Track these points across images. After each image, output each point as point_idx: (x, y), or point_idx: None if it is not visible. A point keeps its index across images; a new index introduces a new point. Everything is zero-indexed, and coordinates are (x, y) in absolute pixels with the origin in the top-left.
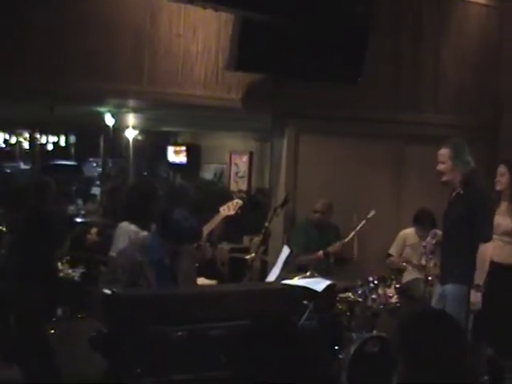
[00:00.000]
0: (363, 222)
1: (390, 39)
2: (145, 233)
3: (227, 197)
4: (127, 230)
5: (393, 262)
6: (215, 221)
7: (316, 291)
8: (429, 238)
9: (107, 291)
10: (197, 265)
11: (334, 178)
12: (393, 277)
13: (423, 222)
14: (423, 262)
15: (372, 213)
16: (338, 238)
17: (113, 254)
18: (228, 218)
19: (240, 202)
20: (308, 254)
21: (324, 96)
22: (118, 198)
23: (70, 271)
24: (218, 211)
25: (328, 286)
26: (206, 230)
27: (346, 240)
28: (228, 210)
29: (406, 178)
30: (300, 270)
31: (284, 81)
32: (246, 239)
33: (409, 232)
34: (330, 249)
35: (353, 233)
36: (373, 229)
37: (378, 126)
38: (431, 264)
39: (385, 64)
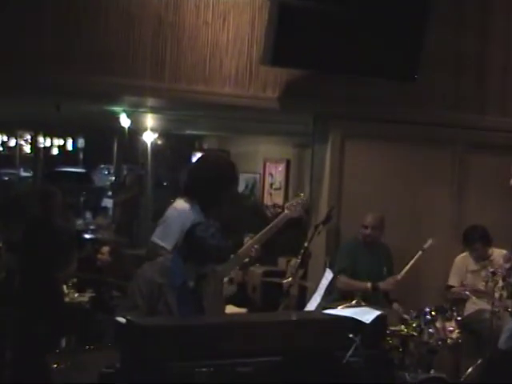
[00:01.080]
0: (419, 254)
1: (451, 33)
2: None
3: (260, 212)
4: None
5: (455, 293)
6: (275, 226)
7: (363, 323)
8: (501, 261)
9: (121, 320)
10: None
11: (384, 190)
12: (453, 308)
13: (473, 241)
14: (489, 289)
15: (429, 242)
16: (389, 261)
17: (157, 241)
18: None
19: (305, 198)
20: (354, 279)
21: (375, 95)
22: (134, 212)
23: (76, 295)
24: (281, 210)
25: (377, 318)
26: (259, 241)
27: (400, 276)
28: (294, 210)
29: (467, 191)
30: (344, 298)
31: (328, 77)
32: (281, 261)
33: (468, 256)
34: (382, 285)
35: (407, 267)
36: (428, 251)
37: (436, 131)
38: (501, 293)
39: (445, 61)
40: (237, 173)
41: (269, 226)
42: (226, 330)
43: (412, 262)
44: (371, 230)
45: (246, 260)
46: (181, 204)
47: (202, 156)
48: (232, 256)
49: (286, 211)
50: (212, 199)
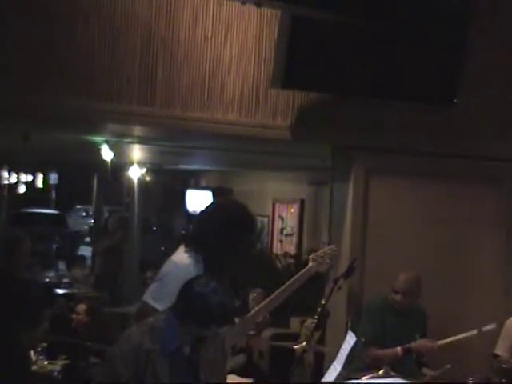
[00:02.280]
0: (473, 333)
1: (496, 49)
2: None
3: (268, 263)
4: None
5: (504, 363)
6: (296, 282)
7: None
8: None
9: None
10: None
11: (418, 237)
12: (503, 381)
13: None
14: None
15: (492, 326)
16: (423, 325)
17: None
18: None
19: (335, 249)
20: (380, 347)
21: (405, 123)
22: (117, 262)
23: (46, 363)
24: (293, 261)
25: None
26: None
27: (439, 345)
28: (321, 263)
29: None
30: (370, 367)
31: (349, 102)
32: (294, 322)
33: None
34: (414, 345)
35: (451, 340)
36: (471, 312)
37: (480, 165)
38: None
39: (490, 84)
40: (256, 225)
41: (288, 283)
42: None
43: (460, 337)
44: (403, 297)
45: (252, 332)
46: (182, 257)
47: (215, 203)
48: (238, 320)
49: (310, 263)
50: (223, 254)
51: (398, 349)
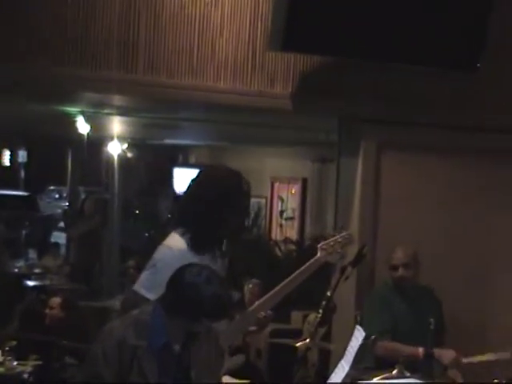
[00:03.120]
0: (506, 355)
1: None
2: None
3: (266, 250)
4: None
5: None
6: (302, 274)
7: None
8: None
9: None
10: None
11: (436, 219)
12: None
13: None
14: None
15: None
16: (437, 310)
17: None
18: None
19: (348, 236)
20: (391, 341)
21: (422, 91)
22: (94, 250)
23: (15, 364)
24: (295, 247)
25: None
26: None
27: (467, 361)
28: (330, 253)
29: None
30: (381, 366)
31: (358, 67)
32: (295, 316)
33: None
34: (438, 353)
35: (482, 358)
36: (494, 304)
37: (506, 139)
38: None
39: None
40: (249, 192)
41: (293, 275)
42: None
43: (492, 357)
44: (405, 270)
45: (253, 328)
46: (176, 241)
47: (202, 171)
48: (236, 315)
49: (319, 253)
50: (213, 230)
51: (420, 350)
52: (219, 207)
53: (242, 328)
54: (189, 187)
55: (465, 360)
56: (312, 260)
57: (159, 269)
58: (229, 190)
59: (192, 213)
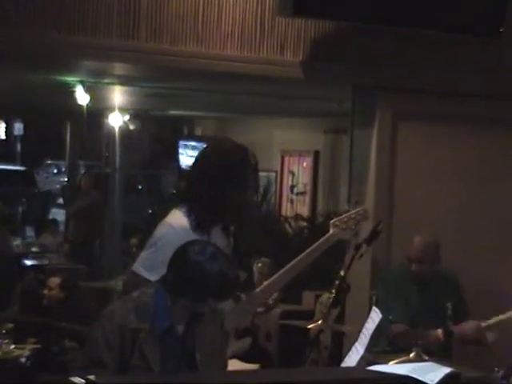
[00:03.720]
0: None
1: None
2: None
3: (276, 228)
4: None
5: None
6: (314, 252)
7: None
8: None
9: (77, 381)
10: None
11: (455, 193)
12: None
13: None
14: None
15: None
16: (457, 293)
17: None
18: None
19: (366, 212)
20: (410, 329)
21: (441, 58)
22: (93, 227)
23: (13, 348)
24: (307, 224)
25: (447, 377)
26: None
27: (486, 325)
28: (344, 229)
29: None
30: (398, 349)
31: (374, 33)
32: (307, 297)
33: None
34: (458, 328)
35: (501, 318)
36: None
37: None
38: None
39: None
40: (257, 168)
41: (305, 253)
42: None
43: (510, 315)
44: (420, 266)
45: (260, 309)
46: (178, 218)
47: (208, 145)
48: (243, 295)
49: (332, 230)
50: (219, 206)
51: (439, 331)
52: (224, 182)
53: (249, 310)
54: (194, 162)
55: (484, 324)
56: (324, 237)
57: (160, 248)
58: (234, 164)
59: (195, 188)
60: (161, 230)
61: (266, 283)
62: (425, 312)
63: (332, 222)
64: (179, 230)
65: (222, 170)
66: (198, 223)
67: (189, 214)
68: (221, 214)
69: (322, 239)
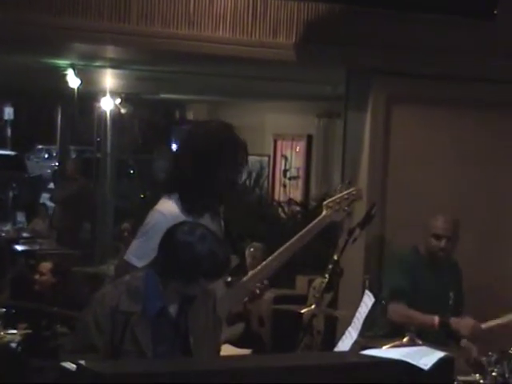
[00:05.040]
0: None
1: None
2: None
3: (269, 212)
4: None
5: None
6: (307, 235)
7: (420, 369)
8: None
9: (69, 366)
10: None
11: (450, 177)
12: None
13: None
14: None
15: None
16: (458, 283)
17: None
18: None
19: (359, 192)
20: (408, 305)
21: (435, 40)
22: (80, 212)
23: (3, 333)
24: (319, 210)
25: (440, 362)
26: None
27: (485, 327)
28: (337, 210)
29: None
30: (391, 333)
31: (367, 15)
32: (300, 281)
33: None
34: (455, 323)
35: (500, 321)
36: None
37: None
38: None
39: None
40: (245, 149)
41: (297, 236)
42: (221, 378)
43: (503, 321)
44: (447, 242)
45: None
46: (169, 206)
47: (191, 127)
48: (234, 282)
49: (325, 211)
50: (207, 188)
51: (436, 319)
52: (212, 163)
53: (240, 296)
54: (179, 146)
55: (484, 326)
56: (317, 219)
57: (151, 236)
58: (219, 143)
59: (182, 171)
60: (151, 218)
61: (257, 269)
62: (433, 297)
63: (325, 203)
64: (170, 216)
65: (206, 150)
66: (189, 208)
67: (179, 200)
68: (211, 195)
69: (314, 221)
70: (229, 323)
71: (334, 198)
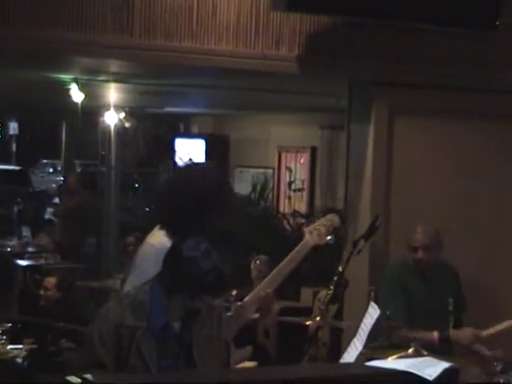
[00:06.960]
0: None
1: None
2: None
3: (273, 225)
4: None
5: None
6: (293, 260)
7: (426, 380)
8: None
9: (74, 380)
10: None
11: (453, 187)
12: None
13: None
14: None
15: None
16: (457, 290)
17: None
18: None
19: (336, 218)
20: (408, 324)
21: (438, 52)
22: (82, 227)
23: (9, 348)
24: (300, 236)
25: (445, 372)
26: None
27: (486, 335)
28: (318, 235)
29: None
30: (396, 345)
31: (370, 27)
32: (305, 293)
33: None
34: (455, 335)
35: (500, 327)
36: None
37: None
38: None
39: None
40: (221, 196)
41: (281, 265)
42: None
43: (502, 327)
44: (426, 252)
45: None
46: (160, 238)
47: (176, 174)
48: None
49: (306, 236)
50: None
51: (435, 334)
52: (199, 211)
53: (239, 321)
54: (164, 190)
55: (484, 333)
56: (299, 245)
57: (143, 269)
58: (205, 193)
59: (172, 216)
60: (143, 252)
61: (250, 295)
62: (428, 307)
63: (306, 229)
64: (162, 250)
65: (192, 200)
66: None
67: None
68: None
69: (297, 247)
70: (236, 346)
71: (314, 224)
